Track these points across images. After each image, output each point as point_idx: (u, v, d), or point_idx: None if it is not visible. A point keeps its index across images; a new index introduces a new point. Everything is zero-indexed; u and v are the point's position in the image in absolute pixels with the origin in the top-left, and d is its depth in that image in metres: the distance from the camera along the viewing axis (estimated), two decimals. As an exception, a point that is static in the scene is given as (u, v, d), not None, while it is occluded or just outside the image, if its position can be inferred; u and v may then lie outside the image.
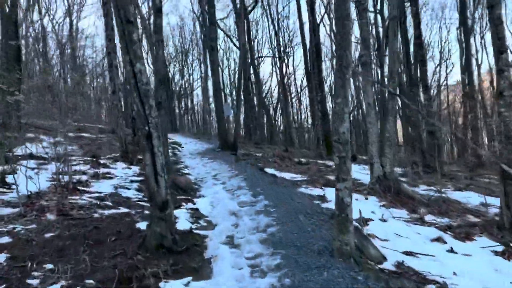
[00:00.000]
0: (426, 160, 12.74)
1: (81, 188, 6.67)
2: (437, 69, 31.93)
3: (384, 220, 6.63)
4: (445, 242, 5.64)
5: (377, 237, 5.55)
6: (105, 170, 8.64)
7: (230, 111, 17.19)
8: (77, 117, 17.34)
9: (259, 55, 34.70)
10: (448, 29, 33.21)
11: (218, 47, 40.24)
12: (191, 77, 43.30)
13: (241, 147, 17.84)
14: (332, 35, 22.25)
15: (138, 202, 6.43)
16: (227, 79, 39.22)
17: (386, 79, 10.58)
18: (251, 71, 25.85)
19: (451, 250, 5.24)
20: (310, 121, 37.05)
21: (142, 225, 4.96)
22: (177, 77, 43.35)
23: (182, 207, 6.46)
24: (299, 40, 33.28)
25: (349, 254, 4.02)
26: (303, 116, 40.46)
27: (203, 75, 31.82)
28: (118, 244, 4.42)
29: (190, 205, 6.67)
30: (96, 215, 5.37)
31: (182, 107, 43.24)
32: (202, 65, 36.12)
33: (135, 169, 9.54)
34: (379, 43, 16.56)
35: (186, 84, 43.02)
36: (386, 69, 10.98)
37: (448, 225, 6.57)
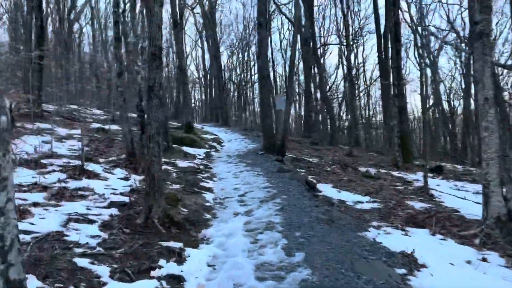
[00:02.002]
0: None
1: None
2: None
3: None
4: None
5: None
6: (85, 182, 6.11)
7: (284, 104, 14.11)
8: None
9: (325, 42, 31.11)
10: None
11: (282, 36, 37.00)
12: (252, 69, 40.72)
13: (293, 148, 14.73)
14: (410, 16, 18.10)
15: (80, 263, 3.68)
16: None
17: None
18: (314, 61, 22.40)
19: None
20: (379, 117, 32.87)
21: None
22: (238, 68, 41.05)
23: (153, 272, 3.62)
24: (371, 28, 29.26)
25: None
26: (371, 112, 36.22)
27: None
28: None
29: (171, 266, 3.81)
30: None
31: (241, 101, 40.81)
32: (261, 55, 33.21)
33: (135, 179, 6.96)
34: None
35: (247, 76, 40.52)
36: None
37: None
